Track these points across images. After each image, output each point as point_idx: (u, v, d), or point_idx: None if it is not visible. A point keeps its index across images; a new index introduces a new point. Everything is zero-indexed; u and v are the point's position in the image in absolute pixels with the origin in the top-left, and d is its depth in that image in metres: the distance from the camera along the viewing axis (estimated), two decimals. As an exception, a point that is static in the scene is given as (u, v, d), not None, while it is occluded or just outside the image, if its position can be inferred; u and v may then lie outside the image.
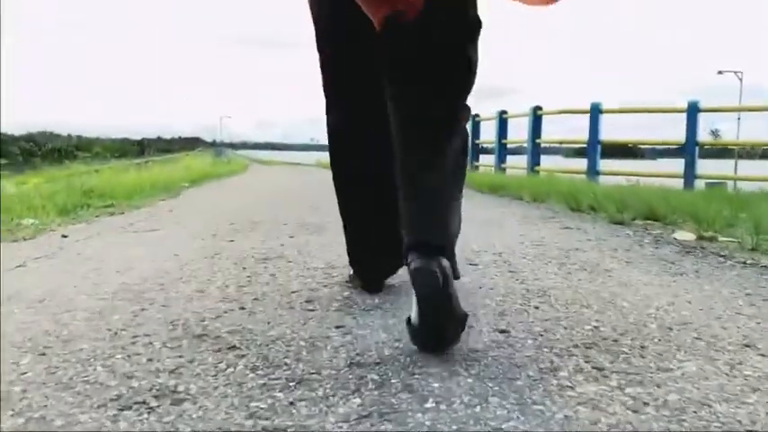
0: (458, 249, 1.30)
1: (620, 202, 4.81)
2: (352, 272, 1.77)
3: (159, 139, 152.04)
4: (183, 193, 6.29)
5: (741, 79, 30.32)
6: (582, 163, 11.02)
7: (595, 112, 10.15)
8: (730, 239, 3.01)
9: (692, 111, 8.61)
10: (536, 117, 11.24)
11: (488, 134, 14.04)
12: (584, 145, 10.54)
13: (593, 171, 10.11)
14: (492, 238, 2.76)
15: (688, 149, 8.64)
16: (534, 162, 11.27)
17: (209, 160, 22.45)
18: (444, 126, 1.29)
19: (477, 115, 13.88)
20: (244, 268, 2.05)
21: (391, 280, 1.73)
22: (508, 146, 12.64)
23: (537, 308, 1.53)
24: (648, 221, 3.94)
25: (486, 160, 13.86)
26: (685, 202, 4.53)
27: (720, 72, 31.23)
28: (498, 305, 1.55)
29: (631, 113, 10.92)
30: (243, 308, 1.53)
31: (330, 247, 2.45)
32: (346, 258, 1.74)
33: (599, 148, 10.18)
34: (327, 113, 1.59)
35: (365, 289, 1.68)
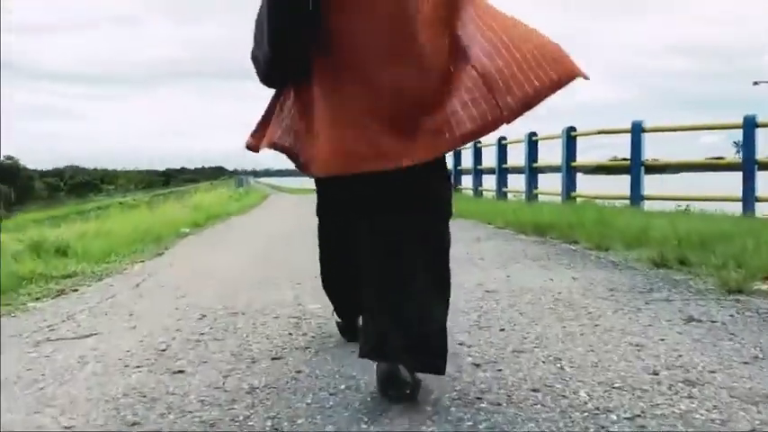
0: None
1: (703, 245, 3.80)
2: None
3: (184, 169, 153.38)
4: (172, 248, 5.36)
5: (776, 88, 28.86)
6: (604, 182, 10.02)
7: (637, 130, 9.12)
8: None
9: (749, 125, 7.54)
10: (570, 138, 10.23)
11: (516, 157, 13.07)
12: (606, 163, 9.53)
13: (637, 196, 9.05)
14: (600, 365, 1.73)
15: (747, 168, 7.54)
16: (570, 188, 10.23)
17: (226, 192, 21.62)
18: None
19: (503, 138, 12.90)
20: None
21: None
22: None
23: None
24: (773, 284, 2.92)
25: (513, 184, 12.86)
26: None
27: (756, 83, 29.72)
28: None
29: (676, 131, 9.84)
30: None
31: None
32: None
33: (642, 170, 9.12)
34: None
35: None
